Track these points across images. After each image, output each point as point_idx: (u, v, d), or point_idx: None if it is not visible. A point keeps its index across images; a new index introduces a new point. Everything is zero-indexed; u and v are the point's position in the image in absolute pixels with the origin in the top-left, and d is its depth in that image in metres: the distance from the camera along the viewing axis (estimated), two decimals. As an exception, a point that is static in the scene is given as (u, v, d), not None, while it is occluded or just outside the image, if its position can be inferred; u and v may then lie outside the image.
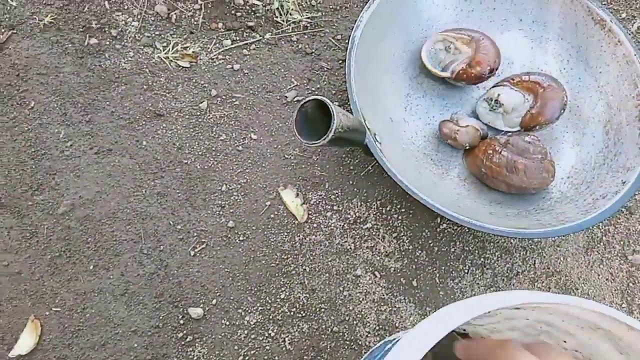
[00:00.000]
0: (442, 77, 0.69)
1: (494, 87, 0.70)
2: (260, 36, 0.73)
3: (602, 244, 0.68)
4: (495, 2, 0.71)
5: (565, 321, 0.43)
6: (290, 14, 0.75)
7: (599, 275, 0.67)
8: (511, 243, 0.67)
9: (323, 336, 0.59)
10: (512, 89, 0.68)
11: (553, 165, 0.64)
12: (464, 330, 0.55)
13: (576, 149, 0.69)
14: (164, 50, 0.70)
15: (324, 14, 0.76)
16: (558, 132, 0.71)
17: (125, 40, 0.71)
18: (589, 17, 0.69)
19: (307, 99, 0.46)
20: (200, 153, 0.65)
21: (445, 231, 0.66)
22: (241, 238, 0.62)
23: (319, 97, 0.46)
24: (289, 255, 0.62)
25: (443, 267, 0.64)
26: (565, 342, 0.47)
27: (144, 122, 0.66)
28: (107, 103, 0.67)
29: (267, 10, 0.75)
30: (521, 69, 0.71)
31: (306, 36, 0.74)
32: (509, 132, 0.69)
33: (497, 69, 0.68)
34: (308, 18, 0.75)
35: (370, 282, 0.63)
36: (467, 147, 0.67)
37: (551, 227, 0.58)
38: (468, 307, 0.40)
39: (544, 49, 0.72)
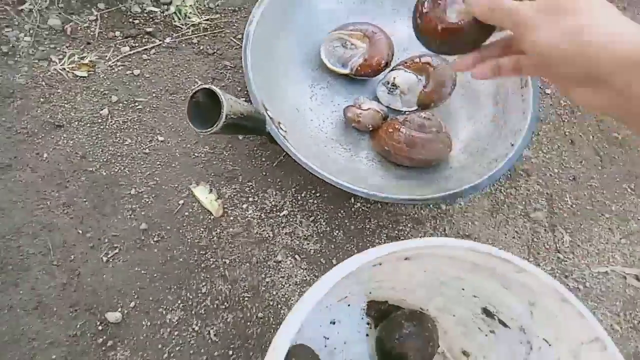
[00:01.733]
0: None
1: (390, 71, 0.78)
2: (160, 41, 0.78)
3: (505, 205, 0.77)
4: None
5: (452, 267, 0.51)
6: (189, 17, 0.80)
7: (505, 234, 0.75)
8: (422, 214, 0.74)
9: (248, 323, 0.63)
10: (406, 71, 0.77)
11: (449, 137, 0.73)
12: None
13: (471, 121, 0.79)
14: (60, 62, 0.73)
15: (222, 15, 0.82)
16: (453, 107, 0.80)
17: (17, 56, 0.73)
18: None
19: (196, 89, 0.51)
20: (105, 160, 0.68)
21: (360, 210, 0.73)
22: (156, 239, 0.65)
23: (207, 86, 0.52)
24: (207, 250, 0.66)
25: (360, 244, 0.71)
26: (463, 289, 0.55)
27: (43, 135, 0.68)
28: (3, 119, 0.68)
29: (166, 15, 0.80)
30: (414, 52, 0.79)
31: (207, 37, 0.80)
32: (408, 111, 0.77)
33: (391, 61, 0.76)
34: (207, 20, 0.81)
35: (291, 265, 0.68)
36: (371, 129, 0.74)
37: (450, 191, 0.66)
38: (355, 258, 0.46)
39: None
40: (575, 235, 0.78)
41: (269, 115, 0.66)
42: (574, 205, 0.80)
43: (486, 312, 0.55)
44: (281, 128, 0.67)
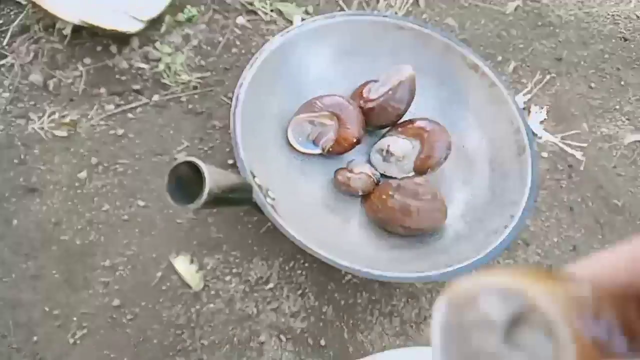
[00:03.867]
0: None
1: (383, 137, 0.74)
2: (147, 99, 0.74)
3: (504, 277, 0.71)
4: (377, 54, 0.77)
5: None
6: (179, 75, 0.76)
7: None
8: (417, 287, 0.68)
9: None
10: (399, 137, 0.72)
11: (444, 204, 0.68)
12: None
13: (467, 187, 0.74)
14: (39, 121, 0.68)
15: (214, 73, 0.78)
16: (449, 172, 0.75)
17: (-6, 113, 0.68)
18: (463, 63, 0.76)
19: (178, 162, 0.46)
20: (80, 227, 0.63)
21: (351, 282, 0.67)
22: (129, 317, 0.59)
23: (190, 159, 0.46)
24: (184, 330, 0.60)
25: (351, 321, 0.64)
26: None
27: (15, 200, 0.63)
28: (-28, 182, 0.63)
29: (154, 73, 0.76)
30: (407, 116, 0.75)
31: (197, 96, 0.76)
32: (404, 177, 0.72)
33: (362, 137, 0.71)
34: (198, 78, 0.77)
35: (275, 347, 0.61)
36: (362, 194, 0.69)
37: (448, 268, 0.61)
38: None
39: (427, 95, 0.77)
40: (578, 310, 0.72)
41: (256, 183, 0.60)
42: (575, 277, 0.75)
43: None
44: (269, 196, 0.62)
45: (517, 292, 0.14)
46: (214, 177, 0.47)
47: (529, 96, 0.89)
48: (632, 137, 0.91)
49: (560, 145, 0.86)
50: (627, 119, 0.93)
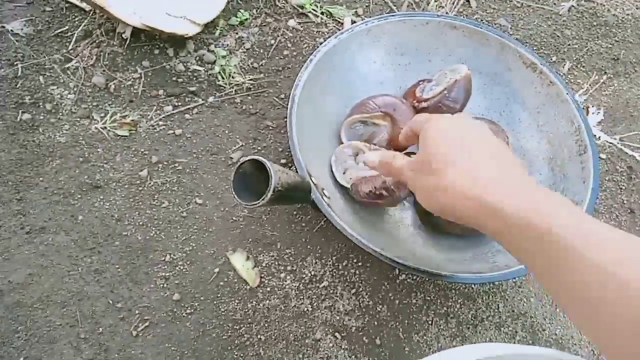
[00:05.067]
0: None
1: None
2: (202, 100, 0.75)
3: (563, 281, 0.68)
4: (430, 54, 0.76)
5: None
6: (233, 77, 0.77)
7: (563, 312, 0.66)
8: (472, 289, 0.66)
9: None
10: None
11: (503, 205, 0.65)
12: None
13: (525, 188, 0.71)
14: (101, 121, 0.70)
15: (266, 75, 0.78)
16: (505, 172, 0.72)
17: (60, 114, 0.70)
18: (520, 62, 0.74)
19: (244, 160, 0.47)
20: (141, 223, 0.63)
21: (405, 282, 0.65)
22: (188, 311, 0.59)
23: (255, 157, 0.47)
24: (241, 325, 0.60)
25: (406, 321, 0.63)
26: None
27: (79, 196, 0.64)
28: (40, 179, 0.65)
29: (210, 75, 0.77)
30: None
31: (250, 97, 0.76)
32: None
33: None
34: (251, 80, 0.77)
35: (331, 345, 0.60)
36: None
37: (508, 269, 0.58)
38: None
39: (483, 94, 0.75)
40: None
41: (313, 182, 0.60)
42: (639, 283, 0.71)
43: None
44: (325, 195, 0.61)
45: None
46: (277, 175, 0.47)
47: (585, 97, 0.86)
48: (696, 137, 0.86)
49: (619, 146, 0.83)
50: (690, 120, 0.88)
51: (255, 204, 0.46)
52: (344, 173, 0.68)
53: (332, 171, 0.68)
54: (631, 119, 0.86)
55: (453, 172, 0.36)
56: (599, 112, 0.86)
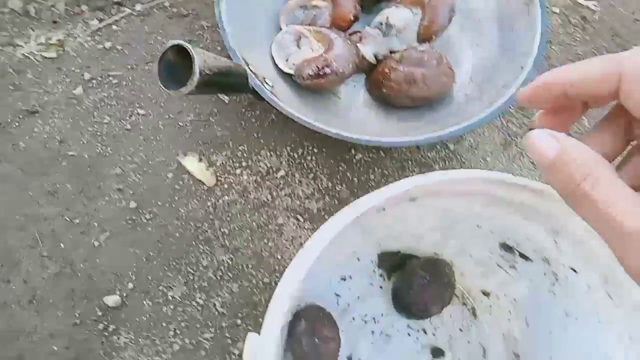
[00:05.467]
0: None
1: (380, 10, 0.69)
2: (129, 9, 0.71)
3: (518, 137, 0.69)
4: None
5: (465, 202, 0.43)
6: (158, -19, 0.72)
7: (520, 167, 0.67)
8: (429, 157, 0.66)
9: (255, 290, 0.57)
10: (398, 7, 0.67)
11: (451, 67, 0.64)
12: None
13: (475, 49, 0.70)
14: (26, 46, 0.66)
15: (193, -27, 0.73)
16: (455, 37, 0.71)
17: (-19, 45, 0.66)
18: None
19: (166, 46, 0.44)
20: (85, 142, 0.62)
21: (362, 160, 0.65)
22: (148, 217, 0.59)
23: (177, 42, 0.44)
24: (203, 222, 0.60)
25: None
26: (478, 226, 0.47)
27: (17, 124, 0.62)
28: (-26, 112, 0.62)
29: (133, -18, 0.72)
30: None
31: None
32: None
33: (359, 13, 0.67)
34: (178, -19, 0.72)
35: (294, 227, 0.61)
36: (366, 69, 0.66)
37: (455, 127, 0.58)
38: (356, 205, 0.39)
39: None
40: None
41: (251, 70, 0.57)
42: (596, 128, 0.71)
43: (505, 247, 0.48)
44: (267, 83, 0.59)
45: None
46: (203, 59, 0.45)
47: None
48: (651, -22, 0.83)
49: (572, -3, 0.79)
50: (644, -40, 0.84)
51: (181, 91, 0.44)
52: (286, 60, 0.66)
53: (274, 61, 0.65)
54: (583, -33, 0.82)
55: None
56: (549, -35, 0.82)
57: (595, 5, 0.80)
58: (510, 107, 0.61)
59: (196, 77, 0.44)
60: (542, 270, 0.46)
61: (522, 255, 0.47)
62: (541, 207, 0.41)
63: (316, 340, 0.46)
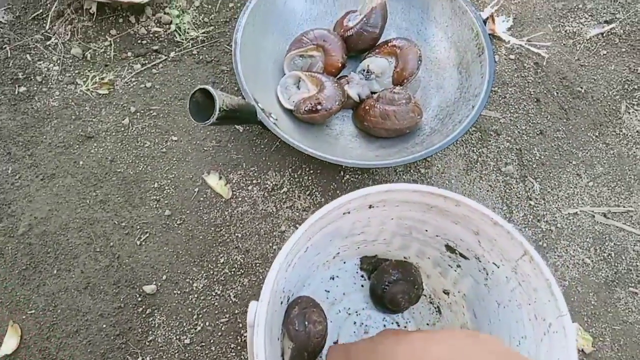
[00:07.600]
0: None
1: (363, 60, 0.82)
2: (165, 56, 0.84)
3: (478, 163, 0.81)
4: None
5: (411, 210, 0.55)
6: (188, 33, 0.86)
7: (480, 189, 0.79)
8: (404, 179, 0.79)
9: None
10: (377, 57, 0.81)
11: (418, 106, 0.77)
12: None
13: (440, 91, 0.83)
14: (84, 84, 0.81)
15: (216, 27, 0.88)
16: (424, 81, 0.84)
17: (50, 83, 0.81)
18: (427, -16, 0.82)
19: (194, 89, 0.57)
20: (130, 161, 0.76)
21: (349, 180, 0.78)
22: (178, 222, 0.72)
23: (203, 86, 0.57)
24: (221, 228, 0.73)
25: (351, 209, 0.75)
26: (426, 230, 0.59)
27: (77, 146, 0.76)
28: (44, 137, 0.76)
29: (168, 34, 0.86)
30: (384, 38, 0.83)
31: (205, 48, 0.86)
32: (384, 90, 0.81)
33: (346, 62, 0.81)
34: (204, 33, 0.87)
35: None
36: (354, 106, 0.79)
37: (419, 153, 0.70)
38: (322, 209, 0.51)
39: (402, 17, 0.86)
40: (545, 183, 0.81)
41: (259, 107, 0.71)
42: (542, 157, 0.83)
43: (449, 248, 0.60)
44: (272, 117, 0.73)
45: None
46: (222, 98, 0.59)
47: (496, 8, 0.94)
48: (595, 30, 0.95)
49: (527, 46, 0.93)
50: (590, 15, 0.97)
51: (207, 122, 0.58)
52: (289, 99, 0.79)
53: (279, 99, 0.79)
54: (537, 21, 0.96)
55: None
56: (508, 20, 0.96)
57: (545, 52, 0.93)
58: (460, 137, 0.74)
59: (217, 113, 0.57)
60: (476, 266, 0.58)
61: (461, 255, 0.59)
62: (461, 212, 0.52)
63: (306, 323, 0.58)
